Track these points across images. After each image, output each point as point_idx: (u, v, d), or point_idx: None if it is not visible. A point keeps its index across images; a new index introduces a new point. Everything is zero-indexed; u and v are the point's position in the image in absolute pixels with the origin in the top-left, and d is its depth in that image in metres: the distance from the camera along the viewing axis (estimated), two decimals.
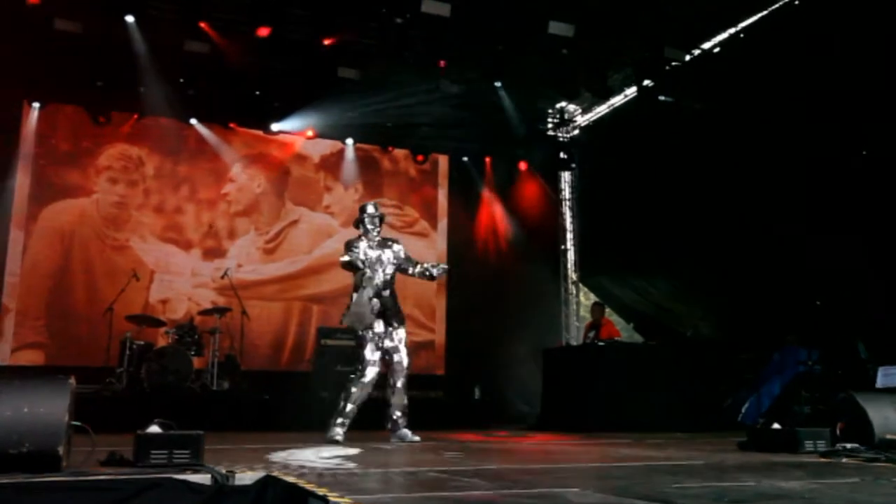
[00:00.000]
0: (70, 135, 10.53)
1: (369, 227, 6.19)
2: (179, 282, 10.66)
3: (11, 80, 9.34)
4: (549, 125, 12.85)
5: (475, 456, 4.91)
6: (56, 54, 9.18)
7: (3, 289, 9.85)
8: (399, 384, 6.09)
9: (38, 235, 10.16)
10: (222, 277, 9.89)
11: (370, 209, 6.26)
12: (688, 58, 9.83)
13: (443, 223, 12.38)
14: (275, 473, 3.23)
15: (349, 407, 5.89)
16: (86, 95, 10.25)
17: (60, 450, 3.09)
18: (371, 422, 6.19)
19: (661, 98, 10.27)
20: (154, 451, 3.49)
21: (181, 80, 10.17)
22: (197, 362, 8.89)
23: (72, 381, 3.32)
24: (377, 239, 6.20)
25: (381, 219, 6.32)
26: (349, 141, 11.74)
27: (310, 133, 11.47)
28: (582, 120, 12.74)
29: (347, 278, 6.59)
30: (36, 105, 10.35)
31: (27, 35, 8.95)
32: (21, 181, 10.17)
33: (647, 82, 10.39)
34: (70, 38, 8.89)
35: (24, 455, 3.03)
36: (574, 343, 11.85)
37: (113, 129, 10.70)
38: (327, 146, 11.77)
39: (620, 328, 10.56)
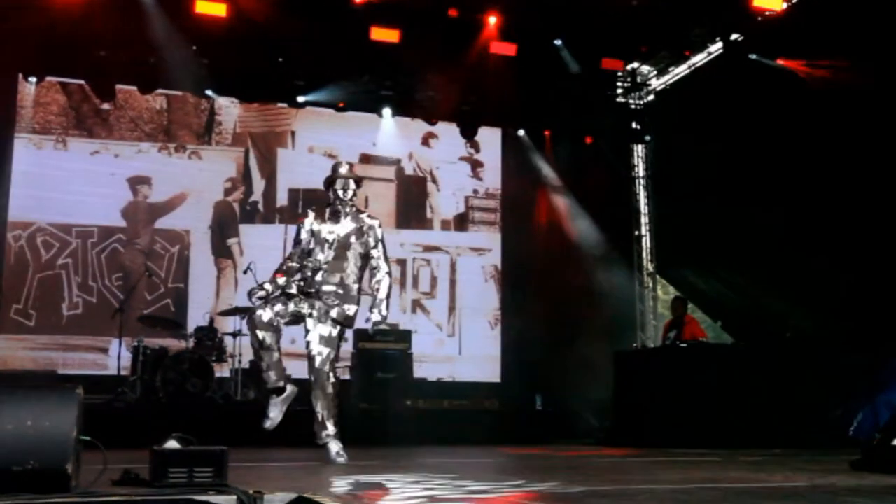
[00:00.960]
0: (71, 111, 10.82)
1: (339, 192, 5.81)
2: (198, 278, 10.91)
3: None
4: (619, 90, 12.69)
5: (534, 474, 4.90)
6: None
7: (1, 286, 10.19)
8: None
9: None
10: (245, 273, 10.01)
11: (342, 169, 5.88)
12: (784, 5, 9.60)
13: (494, 205, 12.37)
14: (307, 494, 3.27)
15: None
16: (88, 68, 10.51)
17: (69, 467, 3.17)
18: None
19: (752, 57, 10.05)
20: (172, 469, 3.55)
21: (194, 48, 10.36)
22: (218, 369, 9.03)
23: (80, 390, 3.39)
24: (348, 210, 5.86)
25: (357, 184, 5.95)
26: (386, 112, 11.77)
27: (341, 105, 11.55)
28: (657, 84, 12.56)
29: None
30: (32, 80, 10.63)
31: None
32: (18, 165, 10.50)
33: (734, 37, 10.18)
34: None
35: (29, 473, 3.11)
36: (651, 345, 11.73)
37: (119, 105, 10.95)
38: (360, 120, 11.83)
39: (706, 327, 10.42)
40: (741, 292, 11.07)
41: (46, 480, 3.12)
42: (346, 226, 5.85)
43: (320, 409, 5.75)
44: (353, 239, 5.84)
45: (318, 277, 5.80)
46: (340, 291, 5.82)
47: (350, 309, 5.86)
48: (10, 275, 10.35)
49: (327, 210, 5.90)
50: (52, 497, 3.02)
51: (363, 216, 5.95)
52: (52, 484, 3.12)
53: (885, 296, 8.60)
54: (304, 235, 5.89)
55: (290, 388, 5.78)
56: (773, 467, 5.45)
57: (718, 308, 11.56)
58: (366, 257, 5.93)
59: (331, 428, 5.75)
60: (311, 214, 5.94)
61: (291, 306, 5.75)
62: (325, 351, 5.78)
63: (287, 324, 5.79)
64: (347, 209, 5.88)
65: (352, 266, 5.85)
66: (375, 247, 5.93)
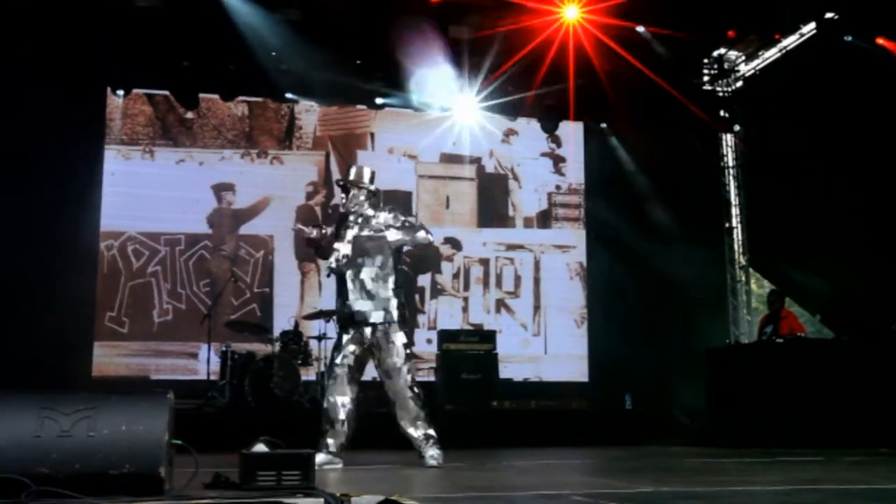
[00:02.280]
0: (157, 121, 11.22)
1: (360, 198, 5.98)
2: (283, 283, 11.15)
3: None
4: (706, 77, 12.42)
5: (624, 475, 4.85)
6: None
7: (96, 295, 10.63)
8: None
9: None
10: (328, 276, 10.16)
11: (367, 175, 6.06)
12: None
13: (578, 200, 12.28)
14: (394, 496, 3.31)
15: None
16: (172, 78, 10.89)
17: (162, 471, 3.29)
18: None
19: (848, 39, 9.71)
20: (261, 472, 3.66)
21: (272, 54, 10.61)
22: (304, 373, 9.20)
23: (171, 396, 3.52)
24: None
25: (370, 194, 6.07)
26: (465, 110, 11.77)
27: (420, 105, 11.63)
28: (746, 69, 12.24)
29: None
30: (120, 93, 11.06)
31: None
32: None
33: (829, 16, 9.86)
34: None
35: (124, 476, 3.25)
36: (745, 340, 11.46)
37: (202, 113, 11.32)
38: (439, 119, 11.90)
39: (804, 321, 10.13)
40: (841, 284, 10.71)
41: (141, 484, 3.25)
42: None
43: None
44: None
45: None
46: None
47: None
48: (103, 283, 10.78)
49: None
50: (147, 500, 3.15)
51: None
52: (146, 487, 3.25)
53: None
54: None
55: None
56: (878, 468, 5.28)
57: (817, 301, 11.22)
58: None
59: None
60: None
61: None
62: None
63: None
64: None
65: None
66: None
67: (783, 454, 6.40)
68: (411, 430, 5.58)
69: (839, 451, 6.47)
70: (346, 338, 5.72)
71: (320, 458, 5.14)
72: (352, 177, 6.01)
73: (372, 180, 6.02)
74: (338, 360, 5.66)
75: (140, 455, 3.28)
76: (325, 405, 5.63)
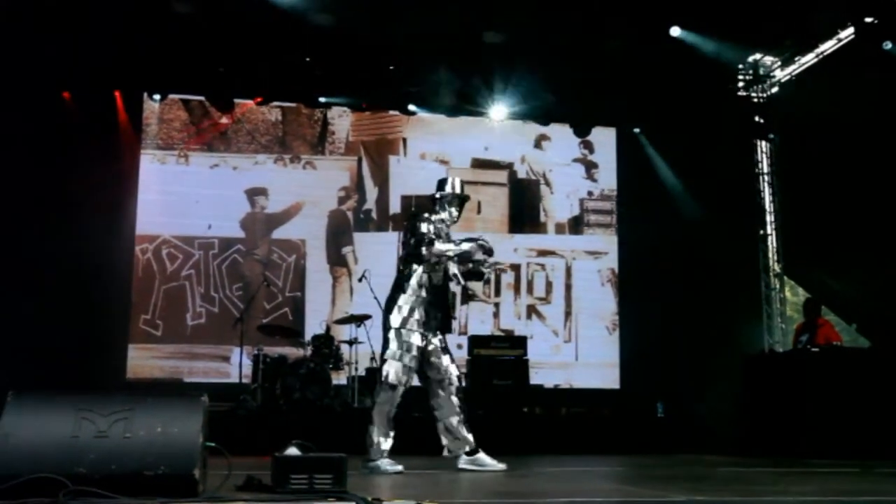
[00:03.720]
0: (192, 126, 11.36)
1: (454, 210, 5.94)
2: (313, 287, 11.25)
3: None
4: (740, 84, 12.32)
5: (656, 483, 4.82)
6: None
7: (131, 298, 10.78)
8: None
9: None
10: (360, 280, 10.23)
11: (456, 187, 5.92)
12: None
13: (610, 206, 12.23)
14: (425, 502, 3.32)
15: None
16: (207, 83, 11.04)
17: (196, 473, 3.33)
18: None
19: (887, 47, 9.58)
20: (293, 475, 3.68)
21: (307, 59, 10.70)
22: (335, 377, 9.26)
23: (205, 398, 3.56)
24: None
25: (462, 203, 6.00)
26: (497, 115, 11.79)
27: (452, 110, 11.67)
28: (782, 75, 12.12)
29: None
30: (156, 97, 11.22)
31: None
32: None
33: (868, 20, 9.74)
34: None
35: (159, 477, 3.28)
36: (779, 349, 11.33)
37: (236, 118, 11.45)
38: (471, 124, 11.92)
39: (840, 330, 9.98)
40: (878, 293, 10.55)
41: (175, 485, 3.29)
42: None
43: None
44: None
45: None
46: None
47: None
48: (138, 287, 10.93)
49: (449, 226, 6.04)
50: (181, 501, 3.18)
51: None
52: (180, 488, 3.29)
53: None
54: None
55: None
56: None
57: (853, 310, 11.06)
58: None
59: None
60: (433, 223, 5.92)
61: None
62: None
63: None
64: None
65: None
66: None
67: (817, 464, 6.32)
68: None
69: (875, 462, 6.38)
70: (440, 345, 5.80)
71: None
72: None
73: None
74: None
75: (175, 456, 3.32)
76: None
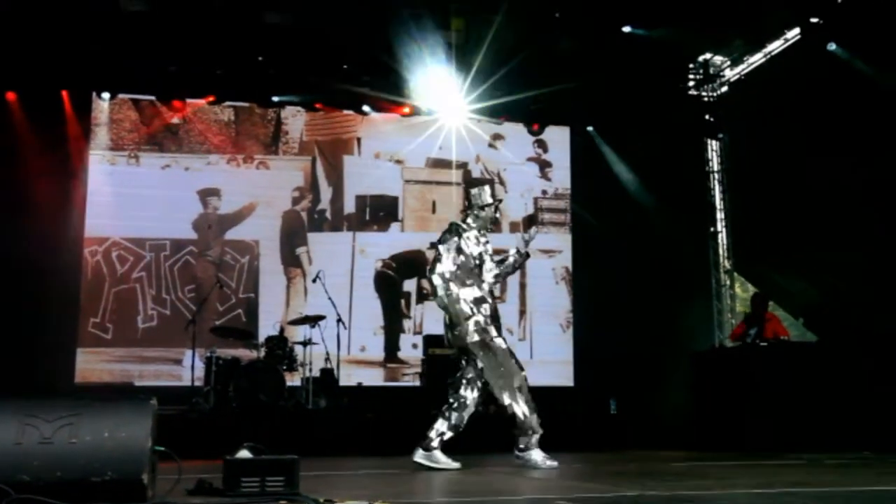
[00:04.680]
0: (143, 126, 11.20)
1: (492, 214, 6.09)
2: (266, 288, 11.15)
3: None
4: (691, 83, 12.49)
5: (609, 479, 4.87)
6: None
7: (79, 301, 10.59)
8: None
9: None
10: (314, 281, 10.20)
11: (488, 195, 6.09)
12: None
13: (564, 205, 12.31)
14: (378, 503, 3.31)
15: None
16: (158, 83, 10.88)
17: (145, 478, 3.28)
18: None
19: (832, 48, 9.79)
20: (245, 478, 3.65)
21: (260, 59, 10.61)
22: (289, 378, 9.19)
23: (154, 402, 3.51)
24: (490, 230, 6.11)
25: (498, 205, 6.22)
26: (451, 115, 11.78)
27: (407, 110, 11.65)
28: (731, 74, 12.31)
29: None
30: (105, 97, 11.02)
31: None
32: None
33: (813, 20, 9.95)
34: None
35: (106, 483, 3.23)
36: (728, 344, 11.51)
37: (188, 119, 11.30)
38: (425, 124, 11.91)
39: (787, 325, 10.17)
40: (825, 288, 10.77)
41: (123, 490, 3.24)
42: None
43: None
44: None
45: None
46: None
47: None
48: (87, 289, 10.74)
49: (483, 232, 6.04)
50: None
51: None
52: (128, 494, 3.24)
53: None
54: (473, 251, 5.90)
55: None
56: (863, 470, 5.31)
57: (800, 304, 11.28)
58: None
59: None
60: (474, 229, 5.99)
61: None
62: None
63: None
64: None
65: None
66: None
67: (767, 457, 6.43)
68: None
69: (822, 455, 6.51)
70: None
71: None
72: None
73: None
74: None
75: (122, 462, 3.27)
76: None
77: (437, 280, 5.75)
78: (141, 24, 9.70)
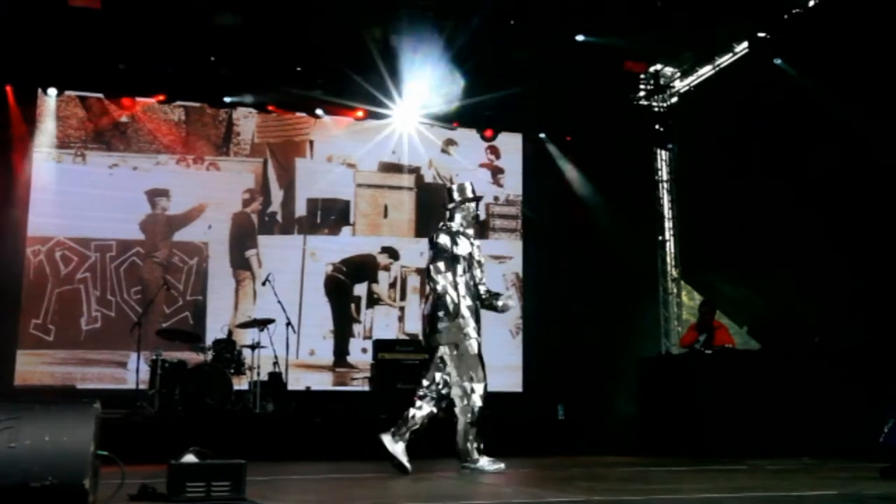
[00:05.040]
0: (90, 124, 11.00)
1: (475, 211, 6.13)
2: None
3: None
4: (642, 93, 12.66)
5: (556, 484, 4.91)
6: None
7: (20, 301, 10.36)
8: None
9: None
10: (264, 284, 10.12)
11: (473, 191, 6.18)
12: (812, 3, 9.54)
13: (515, 211, 12.39)
14: None
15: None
16: (106, 80, 10.69)
17: (87, 483, 3.23)
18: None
19: (777, 62, 10.02)
20: (190, 483, 3.61)
21: (212, 59, 10.50)
22: (236, 382, 9.11)
23: (97, 405, 3.46)
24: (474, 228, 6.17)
25: (479, 201, 6.27)
26: (404, 119, 11.77)
27: (360, 114, 11.63)
28: (681, 85, 12.51)
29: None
30: (51, 94, 10.78)
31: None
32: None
33: (761, 35, 10.16)
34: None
35: (47, 489, 3.17)
36: (675, 351, 11.68)
37: (137, 117, 11.13)
38: (379, 128, 11.90)
39: (733, 333, 10.35)
40: (768, 297, 11.00)
41: (64, 496, 3.18)
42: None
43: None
44: None
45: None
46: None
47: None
48: (29, 290, 10.51)
49: (469, 230, 6.09)
50: None
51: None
52: (69, 499, 3.18)
53: None
54: (462, 252, 5.95)
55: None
56: (801, 476, 5.43)
57: (744, 313, 11.50)
58: None
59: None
60: (462, 231, 6.05)
61: None
62: None
63: None
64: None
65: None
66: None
67: (711, 463, 6.53)
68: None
69: (764, 460, 6.64)
70: None
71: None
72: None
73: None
74: None
75: (64, 467, 3.21)
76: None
77: (437, 278, 5.84)
78: (88, 19, 9.52)
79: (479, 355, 5.91)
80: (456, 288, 5.83)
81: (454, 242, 5.91)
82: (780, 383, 8.21)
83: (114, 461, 3.46)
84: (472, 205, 6.14)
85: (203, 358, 9.22)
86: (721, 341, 9.02)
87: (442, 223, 6.11)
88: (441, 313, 5.80)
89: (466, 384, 5.82)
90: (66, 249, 10.70)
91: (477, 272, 6.04)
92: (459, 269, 5.88)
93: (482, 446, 5.78)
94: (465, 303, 5.86)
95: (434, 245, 5.94)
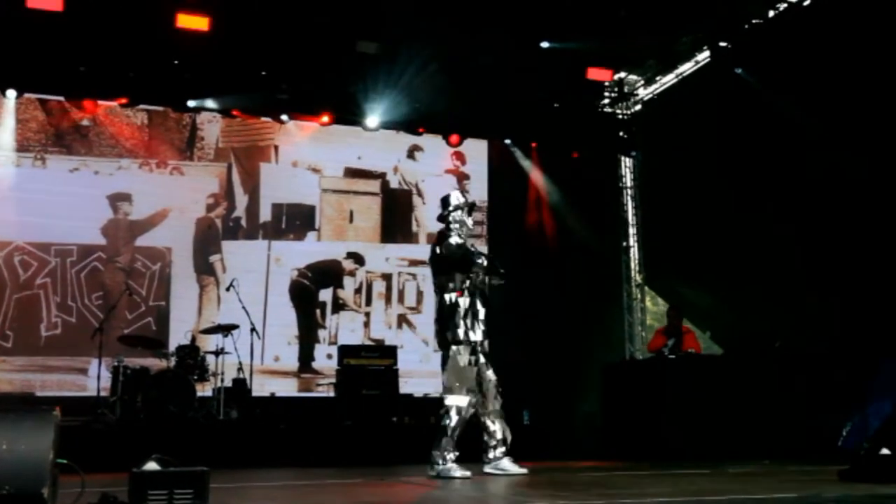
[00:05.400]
0: (50, 127, 10.83)
1: (467, 220, 6.32)
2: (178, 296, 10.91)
3: None
4: (606, 100, 12.78)
5: (520, 490, 4.93)
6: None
7: None
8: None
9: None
10: (228, 289, 10.04)
11: (459, 199, 6.38)
12: (771, 13, 9.69)
13: (480, 217, 12.42)
14: None
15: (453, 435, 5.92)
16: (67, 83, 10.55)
17: (45, 492, 3.18)
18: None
19: (738, 71, 10.17)
20: (152, 491, 3.57)
21: (175, 62, 10.41)
22: (200, 388, 9.01)
23: (56, 412, 3.41)
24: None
25: (472, 208, 6.46)
26: (371, 125, 11.75)
27: (325, 119, 11.60)
28: (644, 93, 12.64)
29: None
30: (11, 96, 10.61)
31: None
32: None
33: (722, 44, 10.31)
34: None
35: (5, 498, 3.12)
36: (640, 356, 11.78)
37: (99, 121, 10.99)
38: (344, 133, 11.87)
39: (696, 337, 10.47)
40: (730, 303, 11.14)
41: None
42: None
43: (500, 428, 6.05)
44: None
45: None
46: None
47: None
48: None
49: (463, 236, 6.35)
50: None
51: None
52: None
53: (872, 306, 8.69)
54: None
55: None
56: (762, 479, 5.50)
57: (707, 319, 11.63)
58: None
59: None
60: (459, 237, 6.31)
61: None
62: None
63: None
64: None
65: None
66: None
67: (674, 467, 6.59)
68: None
69: (726, 464, 6.71)
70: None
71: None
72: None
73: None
74: None
75: (22, 475, 3.16)
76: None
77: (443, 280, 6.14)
78: (49, 21, 9.39)
79: (474, 365, 5.92)
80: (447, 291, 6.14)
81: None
82: (742, 388, 8.30)
83: (73, 469, 3.41)
84: (457, 213, 6.23)
85: (166, 364, 9.13)
86: (688, 346, 9.12)
87: (441, 231, 6.38)
88: (436, 318, 6.17)
89: (446, 393, 5.86)
90: (25, 254, 10.52)
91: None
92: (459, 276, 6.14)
93: (449, 455, 5.77)
94: (463, 307, 5.91)
95: (433, 256, 6.27)
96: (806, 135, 9.42)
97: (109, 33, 9.76)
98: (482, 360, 6.13)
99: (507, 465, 6.00)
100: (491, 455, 6.03)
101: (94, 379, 9.21)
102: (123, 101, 10.92)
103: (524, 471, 5.96)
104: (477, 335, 6.07)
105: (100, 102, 10.96)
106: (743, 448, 7.56)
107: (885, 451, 5.13)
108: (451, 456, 5.80)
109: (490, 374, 6.19)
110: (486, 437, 6.07)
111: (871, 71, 8.50)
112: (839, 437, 8.30)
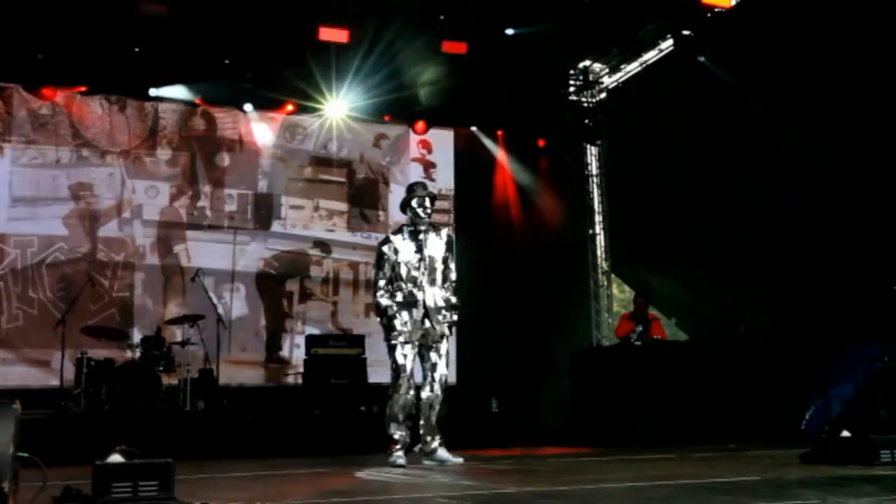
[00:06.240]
0: (8, 116, 10.62)
1: (419, 211, 6.25)
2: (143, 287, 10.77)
3: None
4: (571, 88, 12.81)
5: (487, 476, 4.95)
6: None
7: None
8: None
9: None
10: (193, 280, 9.95)
11: (420, 189, 6.36)
12: (734, 1, 9.75)
13: (447, 206, 12.41)
14: None
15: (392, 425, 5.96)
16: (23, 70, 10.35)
17: (5, 486, 3.13)
18: None
19: (701, 59, 10.25)
20: (116, 483, 3.53)
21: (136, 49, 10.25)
22: (166, 379, 8.93)
23: (17, 405, 3.35)
24: (426, 223, 6.29)
25: (433, 199, 6.42)
26: (335, 114, 11.68)
27: (290, 108, 11.50)
28: (609, 81, 12.68)
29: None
30: None
31: None
32: None
33: (686, 33, 10.37)
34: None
35: None
36: (606, 343, 11.86)
37: (60, 110, 10.79)
38: (310, 122, 11.79)
39: (661, 324, 10.57)
40: (695, 289, 11.27)
41: None
42: (434, 243, 6.26)
43: (435, 421, 6.16)
44: (445, 254, 6.29)
45: (421, 297, 6.14)
46: (445, 306, 6.23)
47: (455, 316, 6.36)
48: None
49: (407, 231, 6.32)
50: None
51: (443, 231, 6.44)
52: None
53: (836, 293, 8.82)
54: (390, 258, 6.24)
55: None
56: (726, 462, 5.57)
57: (672, 305, 11.75)
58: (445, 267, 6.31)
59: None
60: (393, 237, 6.33)
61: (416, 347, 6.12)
62: (447, 370, 6.30)
63: None
64: (424, 227, 6.29)
65: (444, 279, 6.28)
66: (452, 257, 6.40)
67: (640, 452, 6.66)
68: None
69: (691, 448, 6.79)
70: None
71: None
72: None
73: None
74: None
75: None
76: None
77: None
78: (6, 9, 9.19)
79: (399, 360, 6.08)
80: (380, 289, 6.21)
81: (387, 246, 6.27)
82: (707, 373, 8.42)
83: (35, 463, 3.36)
84: (413, 201, 6.29)
85: (131, 355, 9.04)
86: (655, 334, 9.20)
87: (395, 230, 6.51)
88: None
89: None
90: None
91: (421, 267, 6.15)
92: (387, 268, 6.21)
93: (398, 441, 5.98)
94: (385, 302, 6.07)
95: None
96: (768, 123, 9.52)
97: (68, 19, 9.57)
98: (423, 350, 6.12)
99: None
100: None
101: (57, 371, 9.10)
102: (83, 88, 10.74)
103: (460, 460, 5.97)
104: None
105: (59, 91, 10.75)
106: (708, 433, 7.67)
107: (845, 433, 5.23)
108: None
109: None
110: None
111: (834, 59, 8.60)
112: (802, 420, 8.46)
